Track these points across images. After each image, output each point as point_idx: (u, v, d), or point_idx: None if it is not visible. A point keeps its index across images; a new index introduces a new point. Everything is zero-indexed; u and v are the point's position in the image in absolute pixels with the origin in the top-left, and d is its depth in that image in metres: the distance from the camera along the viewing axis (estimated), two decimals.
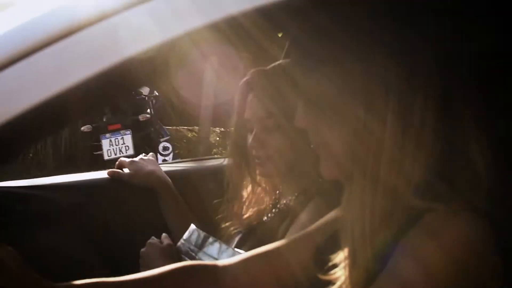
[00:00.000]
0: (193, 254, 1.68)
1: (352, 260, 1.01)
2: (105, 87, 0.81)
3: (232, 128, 1.74)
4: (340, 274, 1.04)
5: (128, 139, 5.28)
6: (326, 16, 0.96)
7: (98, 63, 0.77)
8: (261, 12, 0.81)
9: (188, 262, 1.35)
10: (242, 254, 1.35)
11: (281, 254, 1.28)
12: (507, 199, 0.96)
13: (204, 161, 2.41)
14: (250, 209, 1.77)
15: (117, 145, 5.28)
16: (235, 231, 1.78)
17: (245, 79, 1.65)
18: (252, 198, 1.77)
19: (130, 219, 1.98)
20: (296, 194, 1.62)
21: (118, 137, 5.27)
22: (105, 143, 5.24)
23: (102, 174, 2.03)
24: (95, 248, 1.93)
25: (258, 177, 1.73)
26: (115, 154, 5.21)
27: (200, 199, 2.01)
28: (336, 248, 1.06)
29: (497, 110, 1.06)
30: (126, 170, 2.03)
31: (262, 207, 1.74)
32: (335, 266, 1.05)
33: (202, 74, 5.18)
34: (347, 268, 1.02)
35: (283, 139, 1.57)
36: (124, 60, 0.77)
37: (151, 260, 1.67)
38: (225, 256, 1.60)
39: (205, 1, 0.81)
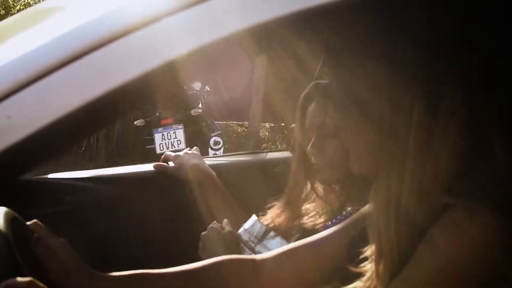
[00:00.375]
0: (253, 244, 1.74)
1: (379, 253, 1.05)
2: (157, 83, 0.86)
3: (295, 137, 1.80)
4: (369, 266, 1.07)
5: (180, 133, 5.35)
6: (357, 23, 1.01)
7: (149, 62, 0.82)
8: (299, 16, 0.87)
9: (228, 256, 1.39)
10: (278, 249, 1.40)
11: (316, 249, 1.33)
12: None
13: (248, 155, 2.46)
14: (312, 213, 1.80)
15: (169, 139, 5.36)
16: (295, 229, 1.81)
17: (305, 91, 1.72)
18: (312, 203, 1.81)
19: (175, 210, 2.04)
20: (363, 203, 1.63)
21: (171, 131, 5.35)
22: (157, 137, 5.32)
23: (149, 167, 2.10)
24: (141, 238, 1.98)
25: (317, 184, 1.77)
26: (167, 148, 5.29)
27: (244, 192, 2.07)
28: (367, 242, 1.10)
29: None
30: (171, 164, 2.08)
31: (323, 213, 1.77)
32: (365, 259, 1.09)
33: (252, 70, 5.23)
34: (374, 262, 1.06)
35: (340, 146, 1.60)
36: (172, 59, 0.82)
37: (210, 245, 1.74)
38: None
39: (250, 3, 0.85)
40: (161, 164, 2.09)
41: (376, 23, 1.00)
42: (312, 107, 1.70)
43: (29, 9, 1.53)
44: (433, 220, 0.98)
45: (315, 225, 1.76)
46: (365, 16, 0.99)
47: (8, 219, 1.07)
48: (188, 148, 2.14)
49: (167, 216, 2.03)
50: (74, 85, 0.80)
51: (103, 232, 1.95)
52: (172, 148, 5.31)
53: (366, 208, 1.26)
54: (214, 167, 2.10)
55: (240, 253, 1.73)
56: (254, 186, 2.09)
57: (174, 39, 0.83)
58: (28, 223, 1.20)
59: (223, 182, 2.06)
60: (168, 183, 2.06)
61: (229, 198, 2.04)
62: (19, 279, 0.94)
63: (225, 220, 1.82)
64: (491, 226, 0.94)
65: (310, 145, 1.68)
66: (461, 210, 0.96)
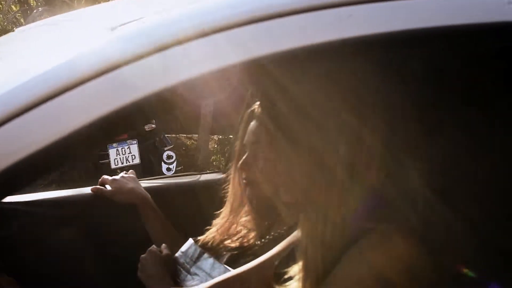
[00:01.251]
0: (188, 266, 1.83)
1: (306, 273, 1.14)
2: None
3: (236, 152, 1.89)
4: (294, 285, 1.16)
5: (134, 148, 5.39)
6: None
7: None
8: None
9: None
10: (210, 281, 1.50)
11: (247, 278, 1.43)
12: (438, 223, 1.10)
13: (182, 177, 2.56)
14: (243, 231, 1.89)
15: (124, 154, 5.40)
16: (225, 249, 1.89)
17: (251, 109, 1.81)
18: (247, 217, 1.90)
19: (113, 233, 2.13)
20: (290, 225, 1.69)
21: (125, 147, 5.38)
22: (112, 152, 5.36)
23: (87, 190, 2.18)
24: (82, 260, 2.07)
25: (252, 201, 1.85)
26: (122, 163, 5.34)
27: (181, 213, 2.17)
28: (292, 262, 1.19)
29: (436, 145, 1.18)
30: (108, 187, 2.16)
31: (254, 231, 1.86)
32: (290, 278, 1.18)
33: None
34: (301, 280, 1.15)
35: (268, 166, 1.69)
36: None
37: (149, 266, 1.83)
38: (216, 272, 1.74)
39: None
40: (99, 188, 2.16)
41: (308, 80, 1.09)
42: (252, 124, 1.79)
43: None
44: (354, 242, 1.08)
45: (244, 243, 1.86)
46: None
47: None
48: (124, 172, 2.22)
49: (106, 239, 2.11)
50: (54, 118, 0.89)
51: (46, 255, 2.03)
52: (126, 163, 5.36)
53: (295, 233, 1.35)
54: (151, 189, 2.18)
55: (178, 275, 1.83)
56: (190, 208, 2.18)
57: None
58: None
59: (160, 204, 2.14)
60: (108, 205, 2.14)
61: (165, 220, 2.12)
62: None
63: (164, 244, 1.91)
64: (405, 247, 1.05)
65: (241, 160, 1.77)
66: (378, 233, 1.06)
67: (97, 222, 2.16)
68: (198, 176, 2.36)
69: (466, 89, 1.21)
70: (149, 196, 2.14)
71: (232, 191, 1.91)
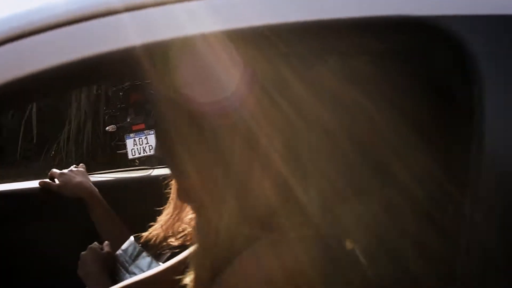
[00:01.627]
0: (127, 265, 1.82)
1: (196, 282, 1.10)
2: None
3: None
4: None
5: (151, 138, 5.38)
6: None
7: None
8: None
9: None
10: (119, 284, 1.49)
11: (152, 282, 1.43)
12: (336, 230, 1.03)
13: (133, 171, 2.52)
14: (187, 230, 1.86)
15: (141, 145, 5.40)
16: (168, 247, 1.87)
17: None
18: (190, 218, 1.86)
19: (59, 228, 2.12)
20: None
21: (142, 137, 5.38)
22: (129, 142, 5.36)
23: (34, 184, 2.16)
24: (25, 256, 2.07)
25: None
26: (139, 154, 5.34)
27: (127, 209, 2.12)
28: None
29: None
30: (56, 181, 2.13)
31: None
32: (184, 286, 1.13)
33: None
34: None
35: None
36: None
37: (88, 263, 1.79)
38: None
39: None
40: (46, 182, 2.13)
41: None
42: None
43: None
44: (246, 247, 1.03)
45: (187, 241, 1.82)
46: None
47: None
48: (74, 166, 2.19)
49: (51, 235, 2.09)
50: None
51: None
52: (144, 153, 5.35)
53: None
54: (100, 184, 2.15)
55: (117, 273, 1.80)
56: (140, 203, 2.12)
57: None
58: None
59: (109, 200, 2.11)
60: (55, 199, 2.11)
61: (113, 215, 2.08)
62: None
63: (106, 242, 1.88)
64: (293, 257, 0.99)
65: None
66: (267, 241, 1.01)
67: (45, 217, 2.13)
68: (151, 170, 2.32)
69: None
70: (97, 190, 2.11)
71: (175, 186, 1.85)
